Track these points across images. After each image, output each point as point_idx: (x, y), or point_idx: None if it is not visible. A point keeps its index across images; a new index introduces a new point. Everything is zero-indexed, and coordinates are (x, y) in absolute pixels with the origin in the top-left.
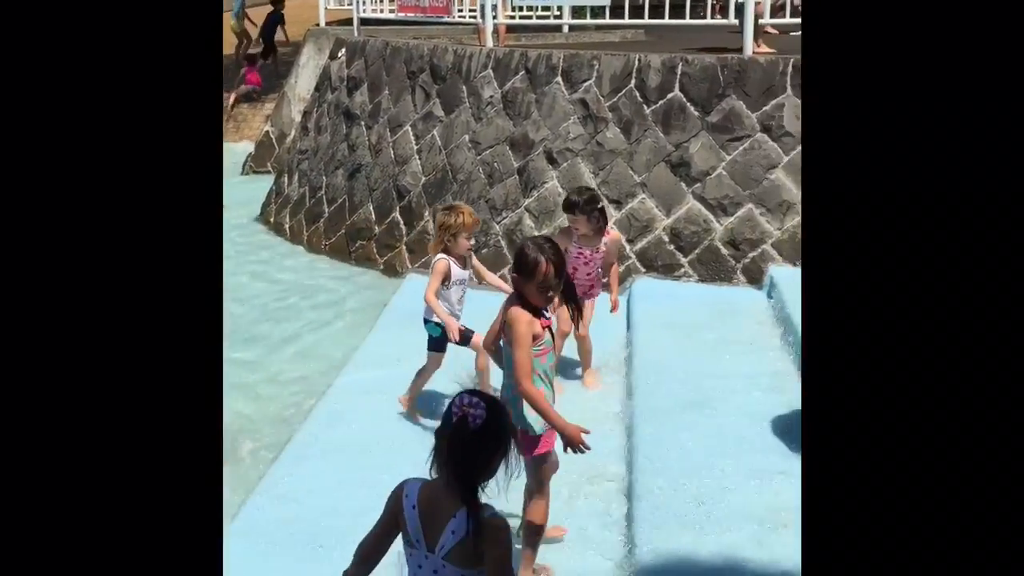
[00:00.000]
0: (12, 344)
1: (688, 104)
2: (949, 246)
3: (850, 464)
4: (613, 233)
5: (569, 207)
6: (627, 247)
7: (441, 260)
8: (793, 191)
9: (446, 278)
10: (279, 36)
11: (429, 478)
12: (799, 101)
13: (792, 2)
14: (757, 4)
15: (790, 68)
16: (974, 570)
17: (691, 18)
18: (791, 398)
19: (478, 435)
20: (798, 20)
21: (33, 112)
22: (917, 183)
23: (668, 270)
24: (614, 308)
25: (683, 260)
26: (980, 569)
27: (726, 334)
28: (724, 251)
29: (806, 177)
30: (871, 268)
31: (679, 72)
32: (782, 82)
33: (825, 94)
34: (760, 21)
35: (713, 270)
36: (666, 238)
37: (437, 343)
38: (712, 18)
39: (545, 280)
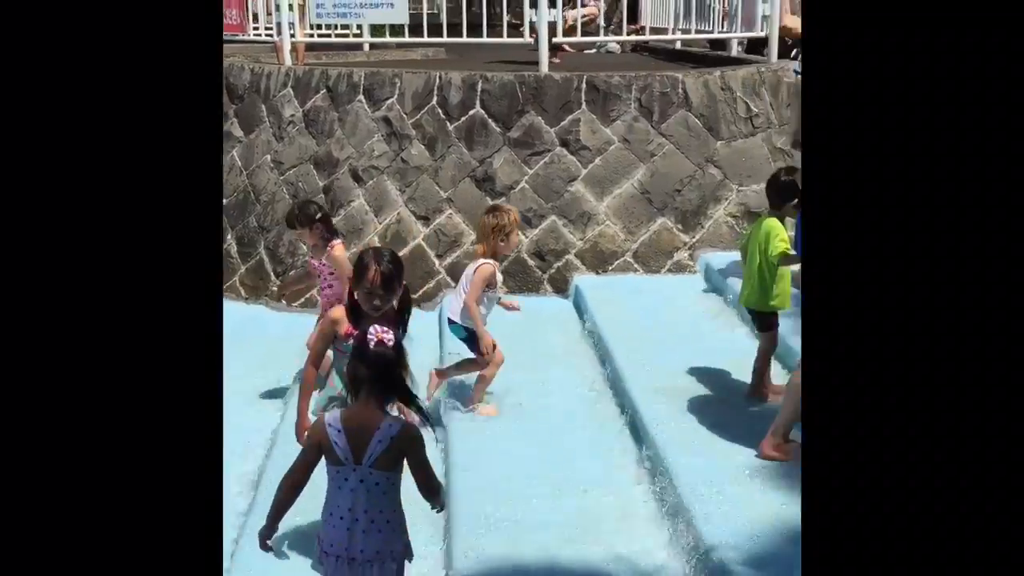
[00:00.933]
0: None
1: (490, 120)
2: (947, 248)
3: (850, 467)
4: (335, 247)
5: (289, 222)
6: (436, 262)
7: (487, 265)
8: (592, 202)
9: (489, 285)
10: None
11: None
12: (593, 116)
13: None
14: (551, 23)
15: (584, 84)
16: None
17: (489, 36)
18: (601, 404)
19: (395, 354)
20: (592, 39)
21: (31, 111)
22: (916, 185)
23: None
24: None
25: None
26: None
27: (536, 343)
28: (531, 262)
29: (806, 180)
30: (871, 271)
31: (479, 89)
32: (577, 98)
33: (824, 98)
34: (554, 40)
35: (521, 281)
36: None
37: (474, 344)
38: (508, 37)
39: (372, 286)
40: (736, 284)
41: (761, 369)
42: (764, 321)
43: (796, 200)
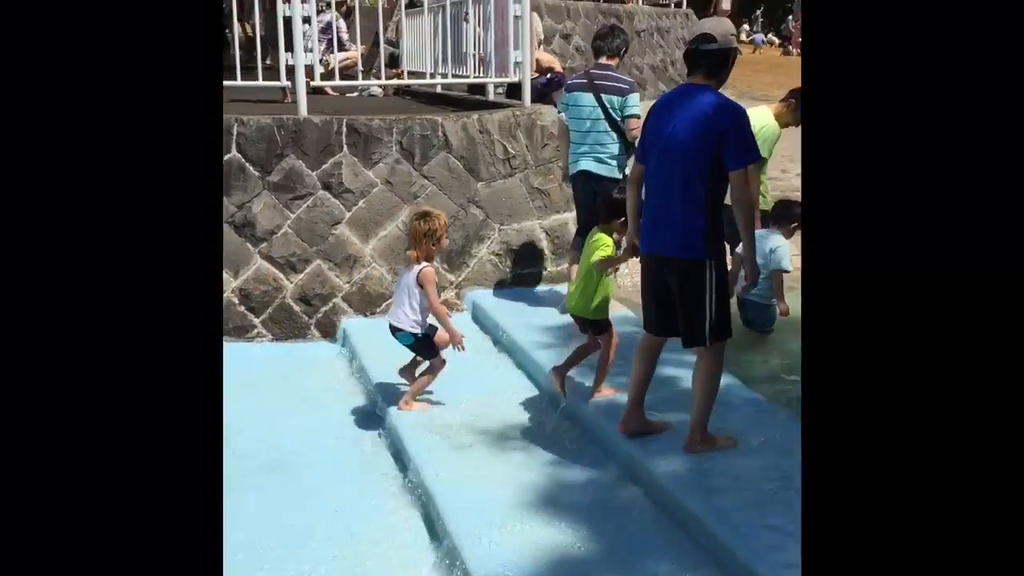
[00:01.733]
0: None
1: (248, 164)
2: (947, 247)
3: (849, 468)
4: None
5: None
6: None
7: (429, 268)
8: (358, 244)
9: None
10: None
11: None
12: (355, 159)
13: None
14: (307, 67)
15: (344, 128)
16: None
17: (244, 79)
18: (372, 446)
19: None
20: (354, 83)
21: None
22: (913, 184)
23: (241, 332)
24: None
25: (256, 321)
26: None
27: (304, 390)
28: (296, 308)
29: (807, 180)
30: (870, 271)
31: (235, 133)
32: (338, 141)
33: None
34: (313, 83)
35: (287, 328)
36: (236, 300)
37: (428, 349)
38: (265, 80)
39: None
40: (501, 320)
41: (562, 369)
42: (589, 326)
43: (623, 218)
